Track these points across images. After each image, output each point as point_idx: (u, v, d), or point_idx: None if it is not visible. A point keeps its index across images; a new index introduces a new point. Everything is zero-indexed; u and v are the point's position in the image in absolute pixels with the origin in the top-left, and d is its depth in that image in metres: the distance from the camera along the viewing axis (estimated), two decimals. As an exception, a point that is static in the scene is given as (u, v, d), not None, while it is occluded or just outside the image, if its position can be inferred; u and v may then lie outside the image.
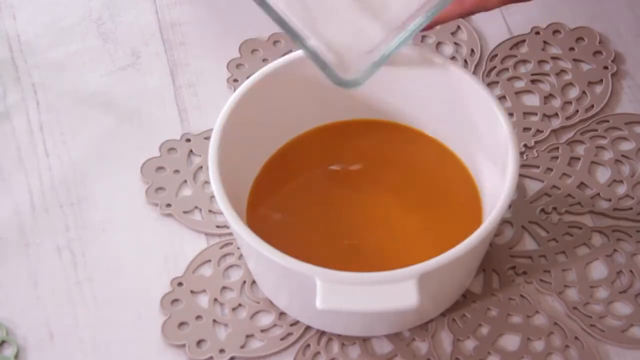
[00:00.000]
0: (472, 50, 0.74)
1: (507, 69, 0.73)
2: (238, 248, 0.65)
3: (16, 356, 0.62)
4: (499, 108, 0.61)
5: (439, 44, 0.74)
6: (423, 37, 0.75)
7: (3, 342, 0.62)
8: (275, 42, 0.74)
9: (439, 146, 0.66)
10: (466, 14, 0.59)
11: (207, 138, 0.69)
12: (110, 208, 0.68)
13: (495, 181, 0.61)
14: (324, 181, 0.66)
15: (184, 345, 0.62)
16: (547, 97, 0.72)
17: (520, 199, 0.67)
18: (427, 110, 0.66)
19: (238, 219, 0.58)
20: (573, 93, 0.72)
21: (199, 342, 0.62)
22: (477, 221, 0.63)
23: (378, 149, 0.66)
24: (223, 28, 0.76)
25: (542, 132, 0.70)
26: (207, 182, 0.68)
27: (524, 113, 0.71)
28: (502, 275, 0.64)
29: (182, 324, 0.63)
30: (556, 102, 0.72)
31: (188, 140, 0.70)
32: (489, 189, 0.63)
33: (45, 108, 0.72)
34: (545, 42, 0.74)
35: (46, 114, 0.72)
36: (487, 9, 0.58)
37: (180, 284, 0.64)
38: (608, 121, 0.71)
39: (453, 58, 0.73)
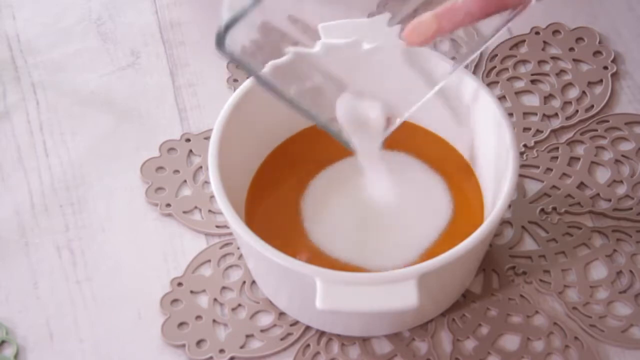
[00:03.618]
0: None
1: (506, 69, 0.73)
2: (238, 248, 0.65)
3: (16, 356, 0.62)
4: (499, 108, 0.61)
5: (438, 43, 0.74)
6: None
7: (3, 342, 0.62)
8: (275, 42, 0.74)
9: (442, 143, 0.66)
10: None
11: (207, 138, 0.69)
12: (110, 208, 0.68)
13: (495, 181, 0.61)
14: (324, 178, 0.65)
15: (183, 345, 0.62)
16: (547, 97, 0.72)
17: (520, 199, 0.67)
18: (427, 110, 0.66)
19: (238, 219, 0.58)
20: (573, 93, 0.72)
21: (199, 342, 0.62)
22: (478, 221, 0.63)
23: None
24: (223, 28, 0.76)
25: (542, 132, 0.70)
26: (206, 182, 0.68)
27: (524, 113, 0.71)
28: (502, 275, 0.64)
29: (182, 324, 0.63)
30: (556, 102, 0.72)
31: (188, 140, 0.70)
32: (489, 189, 0.63)
33: (45, 108, 0.72)
34: (545, 42, 0.74)
35: (46, 113, 0.72)
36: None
37: (180, 284, 0.64)
38: (608, 121, 0.71)
39: (453, 58, 0.73)
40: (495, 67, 0.73)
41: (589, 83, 0.72)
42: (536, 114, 0.71)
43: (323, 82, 0.63)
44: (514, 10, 0.57)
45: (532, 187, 0.68)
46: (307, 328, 0.63)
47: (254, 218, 0.63)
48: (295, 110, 0.58)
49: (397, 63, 0.62)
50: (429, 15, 0.56)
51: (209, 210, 0.67)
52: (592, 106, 0.71)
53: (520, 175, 0.68)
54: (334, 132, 0.59)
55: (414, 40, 0.57)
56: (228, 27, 0.53)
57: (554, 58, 0.74)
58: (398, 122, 0.61)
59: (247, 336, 0.62)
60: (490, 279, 0.64)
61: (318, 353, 0.62)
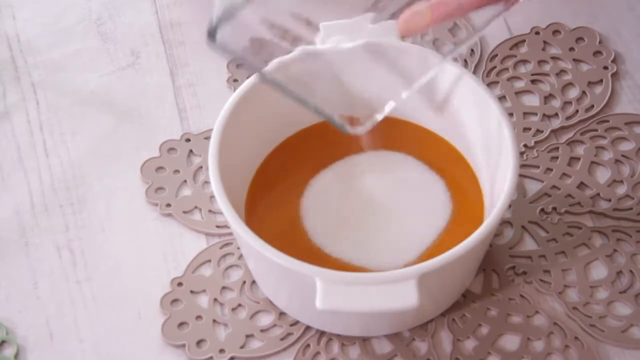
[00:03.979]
0: (472, 50, 0.74)
1: (507, 69, 0.73)
2: (238, 248, 0.65)
3: (16, 356, 0.62)
4: (499, 108, 0.61)
5: (438, 43, 0.74)
6: (422, 36, 0.75)
7: (3, 342, 0.62)
8: (275, 42, 0.74)
9: (442, 143, 0.66)
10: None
11: (207, 138, 0.69)
12: (110, 208, 0.68)
13: (496, 181, 0.61)
14: (324, 178, 0.65)
15: (183, 345, 0.62)
16: (547, 97, 0.72)
17: (520, 199, 0.67)
18: (428, 110, 0.66)
19: (238, 219, 0.58)
20: (573, 93, 0.72)
21: (199, 342, 0.62)
22: (478, 221, 0.63)
23: (378, 145, 0.66)
24: (223, 28, 0.76)
25: (542, 132, 0.70)
26: (207, 182, 0.68)
27: (524, 113, 0.71)
28: (502, 275, 0.64)
29: (182, 324, 0.63)
30: (556, 102, 0.72)
31: (188, 140, 0.70)
32: (489, 189, 0.63)
33: (45, 108, 0.72)
34: (545, 42, 0.74)
35: (46, 113, 0.72)
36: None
37: (180, 284, 0.64)
38: (608, 121, 0.71)
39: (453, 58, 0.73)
40: (495, 67, 0.73)
41: (589, 83, 0.72)
42: (536, 114, 0.71)
43: (315, 77, 0.62)
44: (507, 3, 0.57)
45: (532, 187, 0.68)
46: (307, 328, 0.63)
47: (254, 218, 0.63)
48: (286, 94, 0.58)
49: (388, 58, 0.62)
50: (423, 5, 0.57)
51: (209, 210, 0.67)
52: (592, 106, 0.71)
53: (520, 175, 0.68)
54: (328, 116, 0.59)
55: (407, 30, 0.57)
56: (220, 21, 0.53)
57: (554, 58, 0.74)
58: (386, 110, 0.60)
59: (247, 336, 0.62)
60: (490, 279, 0.64)
61: (318, 353, 0.62)
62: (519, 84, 0.73)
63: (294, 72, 0.59)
